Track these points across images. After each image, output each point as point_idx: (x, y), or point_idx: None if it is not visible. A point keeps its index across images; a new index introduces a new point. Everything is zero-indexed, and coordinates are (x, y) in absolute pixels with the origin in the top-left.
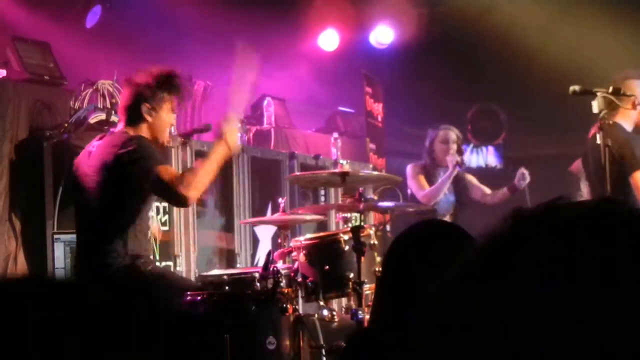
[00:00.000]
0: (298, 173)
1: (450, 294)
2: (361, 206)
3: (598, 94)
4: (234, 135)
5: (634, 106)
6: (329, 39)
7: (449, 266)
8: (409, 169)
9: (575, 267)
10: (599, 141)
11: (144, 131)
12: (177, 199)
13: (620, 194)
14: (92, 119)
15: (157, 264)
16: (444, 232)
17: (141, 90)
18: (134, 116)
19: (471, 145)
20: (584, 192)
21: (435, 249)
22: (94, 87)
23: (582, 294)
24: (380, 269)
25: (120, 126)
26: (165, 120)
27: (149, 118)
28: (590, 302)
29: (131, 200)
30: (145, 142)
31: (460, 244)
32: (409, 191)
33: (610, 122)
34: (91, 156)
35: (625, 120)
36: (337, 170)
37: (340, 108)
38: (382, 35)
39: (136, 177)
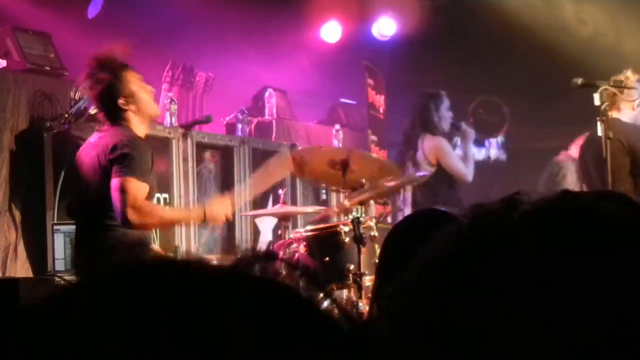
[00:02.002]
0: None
1: (411, 295)
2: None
3: (600, 87)
4: (219, 215)
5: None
6: (331, 31)
7: (409, 262)
8: (441, 141)
9: (518, 276)
10: (600, 134)
11: (132, 122)
12: (121, 214)
13: (624, 185)
14: (93, 110)
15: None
16: (441, 220)
17: (104, 90)
18: (113, 114)
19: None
20: (570, 181)
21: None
22: None
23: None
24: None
25: (107, 126)
26: (144, 96)
27: (131, 107)
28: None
29: None
30: (139, 145)
31: None
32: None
33: (612, 117)
34: (90, 148)
35: (624, 114)
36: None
37: (342, 100)
38: (385, 27)
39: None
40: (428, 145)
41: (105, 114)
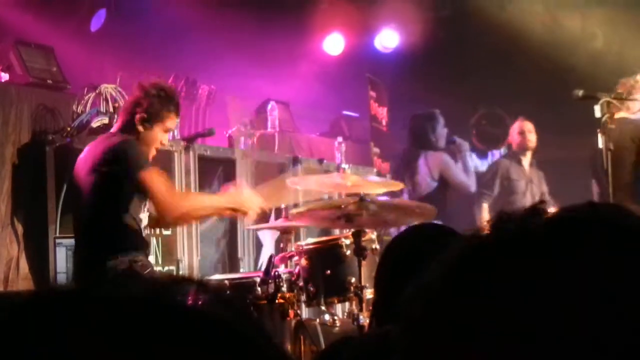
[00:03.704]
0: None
1: (431, 298)
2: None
3: (601, 98)
4: (253, 204)
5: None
6: (334, 43)
7: (429, 268)
8: (445, 157)
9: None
10: (600, 145)
11: (137, 137)
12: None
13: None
14: (95, 123)
15: (156, 267)
16: (438, 234)
17: (141, 99)
18: (127, 122)
19: (476, 150)
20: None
21: (427, 250)
22: (97, 91)
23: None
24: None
25: (113, 129)
26: (156, 135)
27: (140, 128)
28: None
29: (121, 204)
30: (134, 144)
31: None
32: (423, 184)
33: (619, 117)
34: (83, 160)
35: (629, 114)
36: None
37: (345, 112)
38: (388, 39)
39: (118, 177)
40: (432, 160)
41: (121, 114)
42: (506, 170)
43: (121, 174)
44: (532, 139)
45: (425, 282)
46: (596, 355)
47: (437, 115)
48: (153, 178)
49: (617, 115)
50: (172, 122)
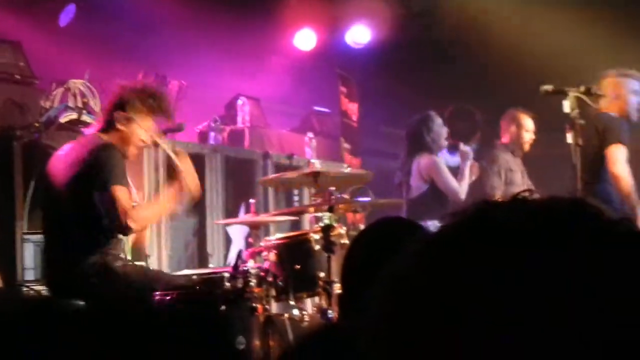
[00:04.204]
0: (271, 176)
1: (412, 262)
2: (331, 203)
3: (570, 93)
4: (192, 182)
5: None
6: (305, 39)
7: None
8: (436, 160)
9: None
10: (570, 141)
11: (115, 139)
12: (120, 226)
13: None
14: (63, 119)
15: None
16: (406, 229)
17: (122, 97)
18: (109, 121)
19: (447, 145)
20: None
21: (393, 245)
22: (66, 87)
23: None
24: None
25: (96, 128)
26: (138, 134)
27: (120, 127)
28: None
29: (95, 201)
30: (114, 152)
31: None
32: (414, 186)
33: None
34: (61, 158)
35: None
36: (307, 170)
37: (316, 108)
38: (359, 35)
39: (93, 180)
40: (423, 163)
41: (103, 112)
42: (506, 162)
43: (97, 180)
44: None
45: (405, 270)
46: (579, 348)
47: (431, 116)
48: (121, 195)
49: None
50: (152, 121)
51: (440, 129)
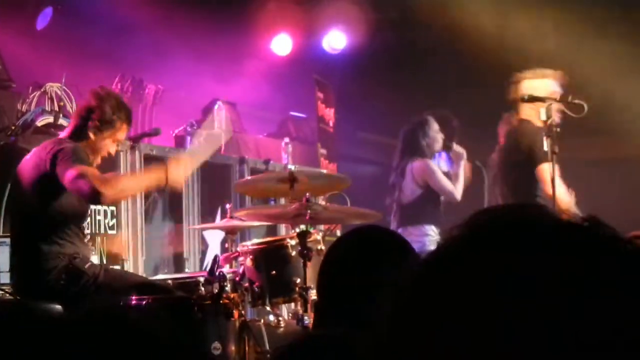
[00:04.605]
0: (246, 178)
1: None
2: (307, 214)
3: (547, 101)
4: (179, 175)
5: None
6: (281, 44)
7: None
8: (429, 164)
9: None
10: (546, 149)
11: (82, 145)
12: (91, 192)
13: (525, 192)
14: (40, 122)
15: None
16: (379, 237)
17: (95, 106)
18: (79, 128)
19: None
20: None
21: (369, 253)
22: (42, 90)
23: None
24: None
25: (64, 134)
26: (106, 145)
27: (92, 135)
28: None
29: (62, 203)
30: (79, 147)
31: (394, 249)
32: (407, 190)
33: (519, 119)
34: (27, 163)
35: (531, 117)
36: (284, 174)
37: (292, 113)
38: (335, 40)
39: (58, 175)
40: (416, 167)
41: (73, 118)
42: None
43: (61, 164)
44: None
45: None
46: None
47: (429, 120)
48: (87, 168)
49: (524, 116)
50: (123, 133)
51: (436, 134)
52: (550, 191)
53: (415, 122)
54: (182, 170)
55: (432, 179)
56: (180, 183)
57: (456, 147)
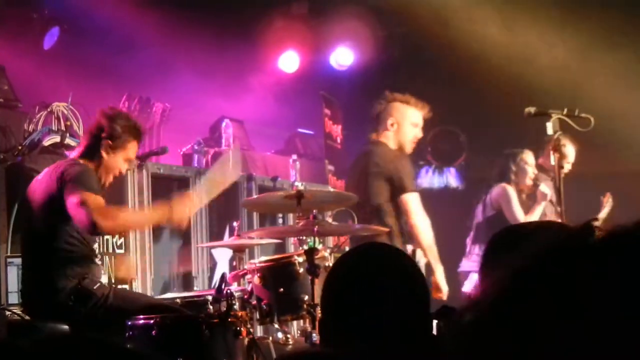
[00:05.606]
0: (254, 197)
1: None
2: (315, 228)
3: (553, 115)
4: (183, 213)
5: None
6: (289, 61)
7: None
8: (508, 190)
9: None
10: (553, 162)
11: (94, 165)
12: (89, 223)
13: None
14: (47, 142)
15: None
16: (383, 255)
17: (107, 125)
18: (91, 148)
19: (432, 167)
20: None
21: (373, 271)
22: (49, 110)
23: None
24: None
25: (75, 154)
26: (118, 164)
27: (104, 155)
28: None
29: (72, 224)
30: (89, 171)
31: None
32: (481, 212)
33: (377, 140)
34: (38, 183)
35: (388, 140)
36: (291, 192)
37: (300, 130)
38: (342, 57)
39: (63, 199)
40: (496, 191)
41: (85, 138)
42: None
43: (66, 188)
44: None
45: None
46: None
47: (524, 155)
48: (90, 197)
49: (383, 139)
50: (134, 151)
51: (526, 167)
52: (414, 221)
53: (508, 155)
54: (187, 209)
55: (507, 204)
56: (185, 221)
57: (541, 188)
